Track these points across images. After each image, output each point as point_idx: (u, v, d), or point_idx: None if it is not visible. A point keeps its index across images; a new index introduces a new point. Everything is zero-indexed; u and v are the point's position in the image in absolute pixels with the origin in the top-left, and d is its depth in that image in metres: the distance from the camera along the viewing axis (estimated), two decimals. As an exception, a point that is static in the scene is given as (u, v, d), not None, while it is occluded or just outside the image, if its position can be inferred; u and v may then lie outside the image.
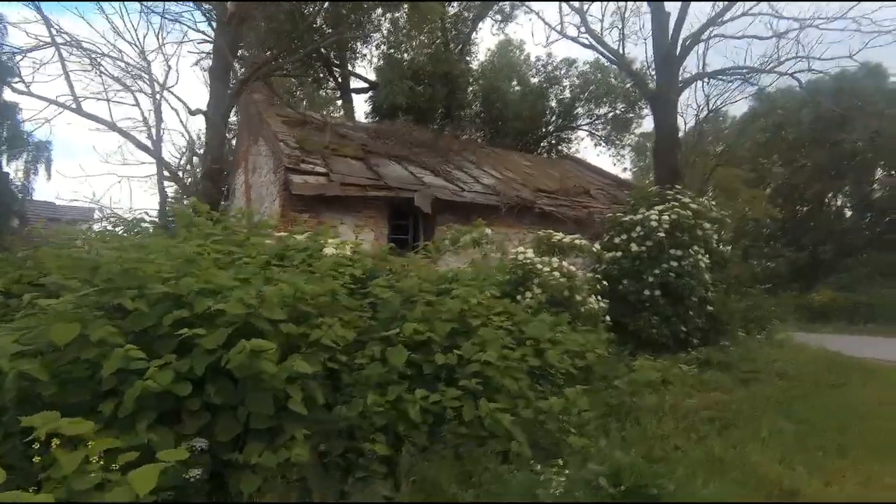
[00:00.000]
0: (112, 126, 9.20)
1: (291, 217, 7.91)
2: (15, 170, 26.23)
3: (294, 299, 3.40)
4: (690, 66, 22.14)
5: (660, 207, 9.30)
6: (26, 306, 2.98)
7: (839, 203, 29.88)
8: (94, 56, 9.24)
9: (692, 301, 8.87)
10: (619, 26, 13.53)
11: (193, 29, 13.38)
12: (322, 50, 16.96)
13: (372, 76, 19.93)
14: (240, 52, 13.44)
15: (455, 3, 19.99)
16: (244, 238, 4.69)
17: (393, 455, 3.59)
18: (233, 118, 16.63)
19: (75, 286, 3.36)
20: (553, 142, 23.76)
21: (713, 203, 11.11)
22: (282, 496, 3.02)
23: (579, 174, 15.74)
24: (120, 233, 6.05)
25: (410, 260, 5.63)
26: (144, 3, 11.19)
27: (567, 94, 23.08)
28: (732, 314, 9.71)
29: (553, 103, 23.01)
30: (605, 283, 8.44)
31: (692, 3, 12.10)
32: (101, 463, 2.33)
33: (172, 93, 11.87)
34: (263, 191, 10.03)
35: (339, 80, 19.83)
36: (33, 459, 2.24)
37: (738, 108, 39.89)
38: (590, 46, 13.21)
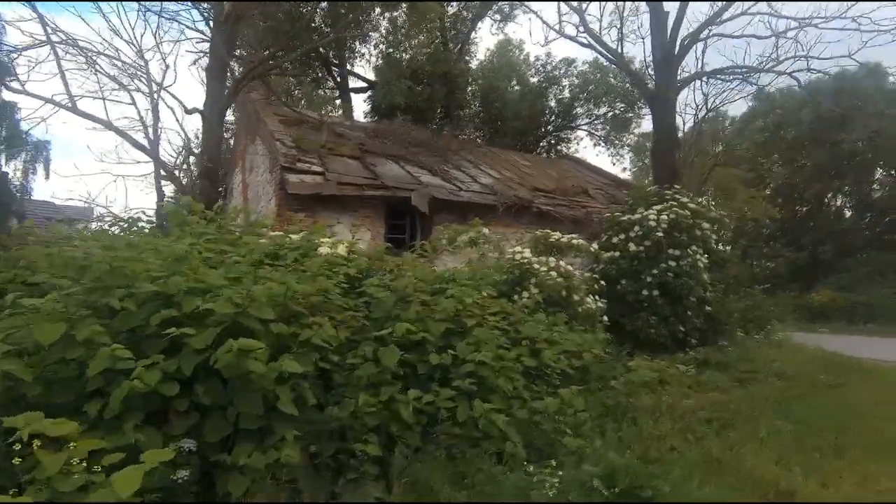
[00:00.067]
0: (108, 125, 9.16)
1: (288, 216, 7.88)
2: (14, 169, 26.23)
3: (285, 298, 3.36)
4: (690, 65, 22.15)
5: (658, 207, 9.27)
6: (11, 305, 2.94)
7: (839, 203, 29.89)
8: (89, 54, 9.19)
9: (690, 301, 8.84)
10: (618, 25, 13.50)
11: (191, 28, 13.37)
12: (321, 49, 16.93)
13: (371, 76, 19.93)
14: (238, 51, 13.42)
15: (454, 3, 19.97)
16: (237, 237, 4.65)
17: (385, 456, 3.55)
18: (231, 117, 16.63)
19: (66, 285, 3.33)
20: (552, 141, 23.75)
21: (712, 203, 11.09)
22: (271, 497, 2.98)
23: (578, 174, 15.71)
24: (117, 232, 6.01)
25: (405, 259, 5.59)
26: (142, 2, 11.15)
27: (566, 93, 23.08)
28: (731, 314, 9.68)
29: (552, 103, 23.01)
30: (602, 282, 8.41)
31: (691, 3, 12.08)
32: (84, 464, 2.29)
33: (169, 92, 11.87)
34: (260, 190, 9.99)
35: (338, 79, 19.81)
36: (13, 461, 2.20)
37: (738, 108, 39.88)
38: (588, 46, 13.18)
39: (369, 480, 3.41)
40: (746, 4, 12.72)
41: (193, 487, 2.94)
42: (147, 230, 5.93)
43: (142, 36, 33.27)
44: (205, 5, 11.44)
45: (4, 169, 23.95)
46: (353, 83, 20.16)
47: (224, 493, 2.92)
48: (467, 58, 21.42)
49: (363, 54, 19.81)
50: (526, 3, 17.55)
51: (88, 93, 12.90)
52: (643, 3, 13.99)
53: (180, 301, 3.04)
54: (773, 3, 15.64)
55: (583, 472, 3.47)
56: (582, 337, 6.08)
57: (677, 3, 12.30)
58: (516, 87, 22.74)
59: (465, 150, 13.91)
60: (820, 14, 12.23)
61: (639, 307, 8.76)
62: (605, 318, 7.89)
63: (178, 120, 23.13)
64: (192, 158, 12.62)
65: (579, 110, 23.34)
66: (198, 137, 13.15)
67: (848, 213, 29.54)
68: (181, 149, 13.35)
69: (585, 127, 24.20)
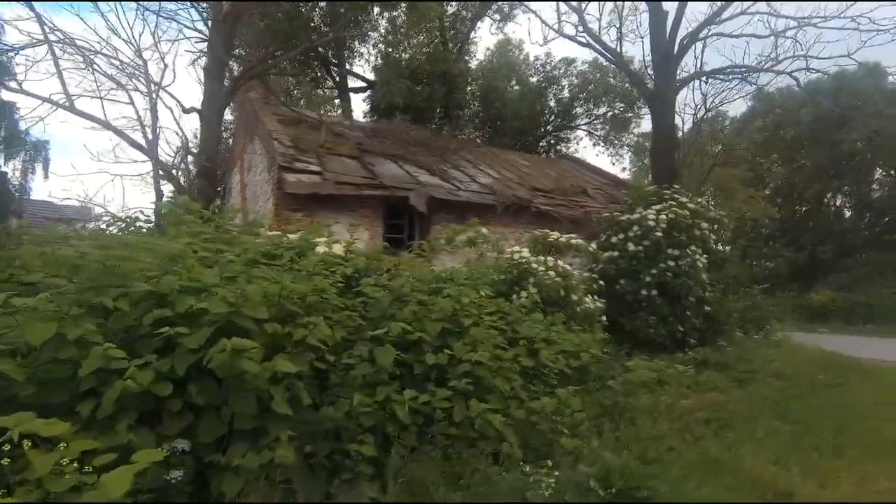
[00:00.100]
0: (106, 125, 9.14)
1: (285, 216, 7.86)
2: (13, 169, 26.22)
3: (280, 298, 3.34)
4: (689, 65, 22.15)
5: (657, 207, 9.26)
6: (3, 305, 2.92)
7: (838, 203, 29.88)
8: (87, 54, 9.17)
9: (689, 301, 8.83)
10: (617, 25, 13.48)
11: (189, 27, 13.34)
12: (320, 49, 16.91)
13: (370, 75, 19.93)
14: (236, 50, 13.40)
15: (453, 3, 19.95)
16: (233, 236, 4.63)
17: (381, 456, 3.54)
18: (230, 117, 16.62)
19: (60, 284, 3.31)
20: (552, 141, 23.75)
21: (711, 203, 11.08)
22: (265, 497, 2.97)
23: (577, 174, 15.69)
24: (115, 232, 5.99)
25: (402, 259, 5.57)
26: (141, 1, 11.13)
27: (566, 93, 23.08)
28: (730, 314, 9.67)
29: (552, 103, 23.00)
30: (601, 282, 8.40)
31: (690, 3, 12.08)
32: (75, 465, 2.27)
33: (167, 91, 11.85)
34: (258, 189, 9.98)
35: (337, 79, 19.79)
36: (2, 462, 2.18)
37: (738, 107, 39.89)
38: (587, 45, 13.16)
39: (364, 481, 3.40)
40: (745, 4, 12.74)
41: (187, 488, 2.92)
42: (145, 230, 5.91)
43: (140, 35, 33.29)
44: (203, 4, 11.42)
45: (3, 169, 23.95)
46: (353, 83, 20.16)
47: (218, 494, 2.90)
48: (467, 58, 21.42)
49: (362, 54, 19.82)
50: (525, 2, 17.54)
51: (86, 92, 12.84)
52: (642, 3, 14.00)
53: (174, 300, 3.02)
54: (773, 3, 15.64)
55: (579, 473, 3.45)
56: (580, 337, 6.07)
57: (676, 3, 12.30)
58: (516, 87, 22.73)
59: (465, 149, 13.89)
60: (819, 14, 12.22)
61: (638, 307, 8.75)
62: (604, 317, 7.88)
63: (175, 119, 23.16)
64: (189, 158, 12.59)
65: (579, 110, 23.36)
66: (196, 137, 13.12)
67: (847, 213, 29.55)
68: (179, 148, 13.33)
69: (585, 127, 24.23)
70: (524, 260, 7.15)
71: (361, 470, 3.37)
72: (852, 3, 11.61)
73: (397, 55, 18.48)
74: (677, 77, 12.59)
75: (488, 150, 15.59)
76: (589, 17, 13.31)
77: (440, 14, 18.14)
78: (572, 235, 8.68)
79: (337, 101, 19.88)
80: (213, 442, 3.02)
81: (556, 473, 3.36)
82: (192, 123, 30.90)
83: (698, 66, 13.58)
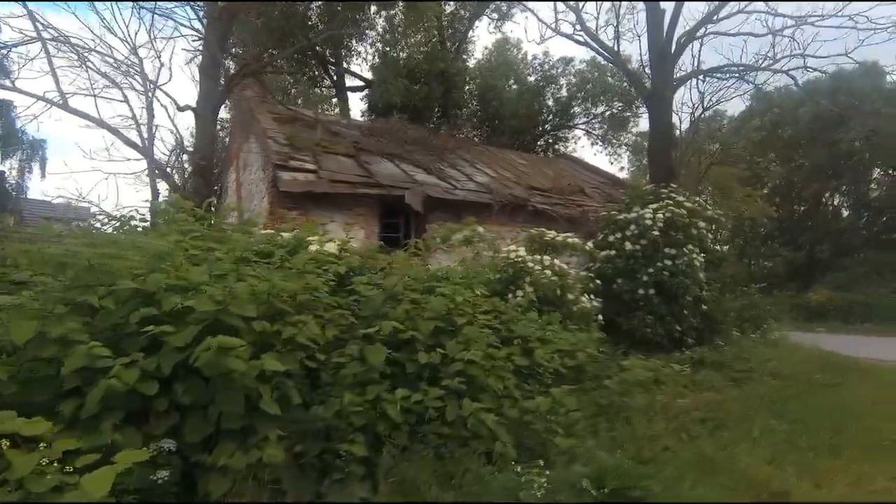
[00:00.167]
0: (100, 123, 9.08)
1: (280, 214, 7.82)
2: (10, 168, 26.13)
3: (269, 296, 3.30)
4: (686, 64, 22.13)
5: (654, 206, 9.23)
6: (-15, 303, 2.88)
7: (836, 202, 29.90)
8: (81, 51, 9.12)
9: (687, 300, 8.80)
10: (615, 24, 13.44)
11: (186, 26, 13.27)
12: (317, 48, 16.86)
13: (368, 74, 19.88)
14: (233, 49, 13.35)
15: (452, 2, 19.91)
16: (223, 234, 4.59)
17: (372, 456, 3.50)
18: (226, 115, 16.56)
19: (49, 283, 3.28)
20: (550, 141, 23.70)
21: (708, 202, 11.05)
22: (253, 497, 2.93)
23: (575, 173, 15.66)
24: (110, 231, 5.94)
25: (396, 258, 5.53)
26: (136, 0, 11.07)
27: (564, 92, 23.03)
28: (727, 313, 9.65)
29: (550, 102, 22.96)
30: (598, 281, 8.36)
31: (687, 2, 12.05)
32: (56, 465, 2.23)
33: (162, 90, 11.76)
34: (253, 188, 9.93)
35: (335, 78, 19.75)
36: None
37: (737, 107, 39.93)
38: (585, 44, 13.13)
39: (355, 480, 3.36)
40: (743, 3, 12.69)
41: (174, 488, 2.88)
42: (140, 228, 5.87)
43: (136, 33, 33.19)
44: (199, 3, 11.36)
45: (1, 168, 23.86)
46: (350, 82, 20.13)
47: (205, 494, 2.87)
48: (465, 57, 21.37)
49: (360, 53, 19.78)
50: (524, 2, 17.48)
51: (81, 90, 12.77)
52: (640, 3, 14.00)
53: (160, 299, 2.98)
54: (770, 2, 15.63)
55: (572, 473, 3.42)
56: (576, 336, 6.03)
57: (673, 2, 12.27)
58: (514, 86, 22.68)
59: (462, 148, 13.85)
60: (816, 12, 12.17)
61: (635, 306, 8.73)
62: (601, 317, 7.84)
63: (170, 117, 23.08)
64: (184, 156, 12.54)
65: (577, 109, 23.30)
66: (192, 135, 13.07)
67: (845, 213, 29.58)
68: (174, 147, 13.27)
69: (583, 126, 24.17)
70: (520, 259, 7.11)
71: (352, 470, 3.34)
72: (849, 2, 11.59)
73: (395, 54, 18.44)
74: (675, 76, 12.56)
75: (485, 149, 15.56)
76: (586, 16, 13.32)
77: (438, 13, 18.10)
78: (569, 234, 8.65)
79: (334, 101, 19.84)
80: (201, 441, 2.98)
81: (548, 473, 3.31)
82: (188, 121, 30.83)
83: (696, 64, 13.55)
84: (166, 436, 2.90)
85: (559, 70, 22.96)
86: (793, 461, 4.27)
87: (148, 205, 5.18)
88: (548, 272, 7.06)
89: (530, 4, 19.47)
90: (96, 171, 18.89)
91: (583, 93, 22.61)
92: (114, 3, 12.97)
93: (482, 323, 4.76)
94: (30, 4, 8.53)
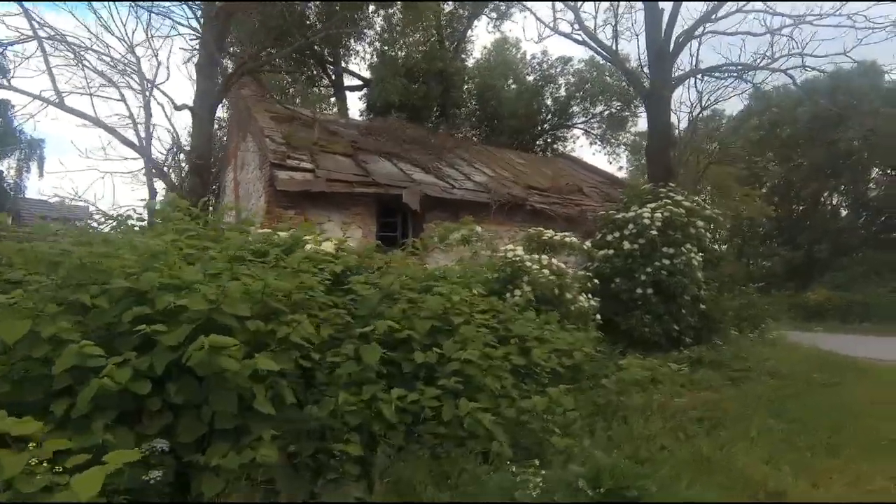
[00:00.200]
0: (97, 122, 9.05)
1: (277, 214, 7.80)
2: (8, 167, 26.06)
3: (263, 295, 3.28)
4: (685, 63, 22.12)
5: (652, 205, 9.22)
6: (-25, 302, 2.86)
7: (835, 202, 29.91)
8: (78, 50, 9.08)
9: (685, 299, 8.80)
10: (613, 23, 13.41)
11: (184, 25, 13.24)
12: (315, 47, 16.83)
13: (366, 73, 19.85)
14: (231, 48, 13.31)
15: (450, 2, 19.88)
16: (218, 234, 4.57)
17: (367, 456, 3.48)
18: (225, 115, 16.53)
19: (43, 281, 3.26)
20: (549, 140, 23.68)
21: (707, 201, 11.04)
22: (246, 497, 2.91)
23: (573, 172, 15.65)
24: (107, 230, 5.92)
25: (393, 257, 5.51)
26: (132, 1, 11.04)
27: (562, 92, 23.00)
28: (725, 312, 9.65)
29: (548, 101, 22.93)
30: (596, 281, 8.36)
31: (685, 2, 12.03)
32: (45, 465, 2.21)
33: (159, 89, 11.71)
34: (251, 187, 9.91)
35: (333, 77, 19.72)
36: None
37: (736, 106, 39.93)
38: (583, 43, 13.10)
39: (350, 480, 3.34)
40: (741, 2, 12.67)
41: (167, 488, 2.86)
42: (137, 228, 5.84)
43: (133, 32, 33.10)
44: (196, 2, 11.33)
45: (-1, 167, 23.80)
46: (349, 81, 20.10)
47: (198, 494, 2.85)
48: (463, 56, 21.34)
49: (358, 52, 19.75)
50: (522, 1, 17.45)
51: (78, 89, 12.67)
52: (638, 2, 13.98)
53: (153, 298, 2.96)
54: (768, 1, 15.62)
55: (568, 473, 3.40)
56: (573, 335, 6.02)
57: (671, 2, 12.26)
58: (512, 86, 22.66)
59: (460, 148, 13.84)
60: (814, 11, 12.16)
61: (633, 305, 8.73)
62: (598, 316, 7.84)
63: (167, 116, 22.97)
64: (181, 155, 12.51)
65: (576, 109, 23.27)
66: (190, 135, 13.04)
67: (844, 212, 29.58)
68: (171, 146, 13.23)
69: (582, 125, 24.15)
70: (518, 258, 7.10)
71: (347, 470, 3.32)
72: (847, 1, 11.58)
73: (393, 53, 18.40)
74: (673, 75, 12.54)
75: (484, 149, 15.54)
76: (585, 15, 13.29)
77: (437, 12, 18.08)
78: (566, 234, 8.63)
79: (333, 100, 19.81)
80: (194, 441, 2.96)
81: (543, 473, 3.30)
82: (185, 121, 30.73)
83: (694, 63, 13.53)
84: (160, 435, 2.88)
85: (558, 69, 22.94)
86: (790, 461, 4.25)
87: (143, 204, 5.14)
88: (545, 271, 7.05)
89: (529, 4, 19.47)
90: (92, 171, 18.77)
91: (581, 92, 22.59)
92: (111, 3, 12.94)
93: (479, 322, 4.74)
94: (26, 3, 8.50)
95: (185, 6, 12.17)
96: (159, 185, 11.58)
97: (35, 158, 26.67)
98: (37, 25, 8.33)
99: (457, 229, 7.36)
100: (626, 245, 8.89)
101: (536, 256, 7.28)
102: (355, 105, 21.65)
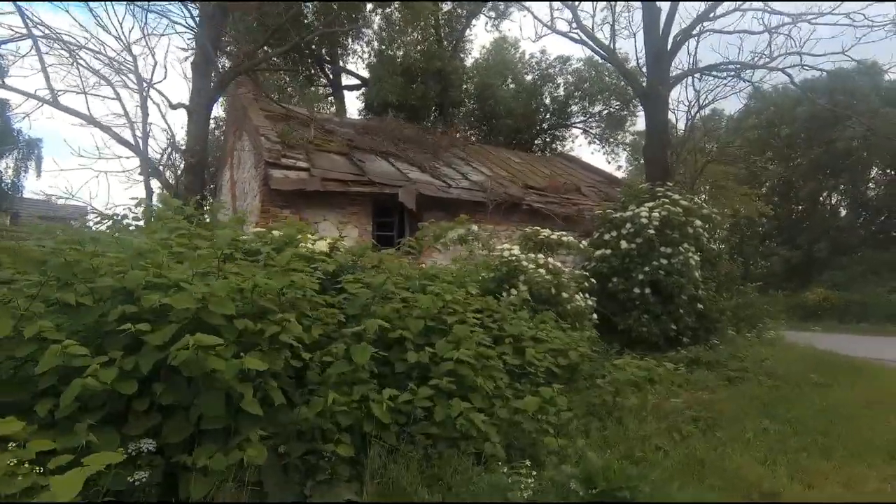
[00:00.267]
0: (92, 121, 9.01)
1: (272, 213, 7.76)
2: (5, 167, 26.02)
3: (252, 294, 3.25)
4: (683, 63, 22.09)
5: (650, 204, 9.19)
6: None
7: (834, 201, 29.89)
8: (72, 48, 9.04)
9: (682, 299, 8.76)
10: (610, 21, 13.38)
11: (180, 24, 13.20)
12: (313, 46, 16.80)
13: (364, 73, 19.82)
14: (228, 48, 13.27)
15: (449, 2, 19.85)
16: (209, 232, 4.54)
17: (358, 457, 3.45)
18: (222, 114, 16.49)
19: (31, 281, 3.22)
20: (547, 140, 23.68)
21: (705, 200, 11.02)
22: (233, 497, 2.87)
23: (572, 171, 15.62)
24: (104, 229, 5.89)
25: (386, 256, 5.48)
26: (129, 1, 11.00)
27: (561, 91, 22.98)
28: (723, 312, 9.61)
29: (547, 101, 22.91)
30: (593, 280, 8.33)
31: (683, 1, 11.98)
32: (27, 465, 2.18)
33: (155, 88, 11.67)
34: (246, 186, 9.88)
35: (331, 76, 19.69)
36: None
37: (735, 105, 39.96)
38: (581, 42, 13.05)
39: (342, 482, 3.31)
40: (739, 1, 12.64)
41: (154, 489, 2.83)
42: (133, 227, 5.81)
43: (130, 31, 33.04)
44: (193, 2, 11.28)
45: (-3, 167, 23.75)
46: (347, 81, 20.07)
47: (186, 495, 2.82)
48: (462, 55, 21.32)
49: (356, 51, 19.73)
50: (521, 1, 17.41)
51: (72, 88, 12.64)
52: (636, 1, 13.94)
53: (140, 296, 2.93)
54: (767, 0, 15.59)
55: (561, 473, 3.38)
56: (569, 335, 5.99)
57: (669, 1, 12.21)
58: (511, 85, 22.63)
59: (457, 147, 13.81)
60: (813, 10, 12.16)
61: (630, 305, 8.70)
62: (595, 315, 7.81)
63: (163, 115, 22.90)
64: (176, 155, 12.47)
65: (574, 108, 23.26)
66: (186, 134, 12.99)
67: (843, 212, 29.56)
68: (167, 144, 13.19)
69: (580, 125, 24.14)
70: (514, 257, 7.07)
71: (338, 471, 3.29)
72: (845, 0, 11.54)
73: (391, 52, 18.37)
74: (671, 74, 12.51)
75: (481, 148, 15.51)
76: (583, 14, 13.24)
77: (435, 12, 18.04)
78: (563, 233, 8.61)
79: (331, 99, 19.78)
80: (182, 442, 2.93)
81: (534, 474, 3.27)
82: (181, 119, 30.70)
83: (692, 62, 13.48)
84: (147, 436, 2.85)
85: (556, 69, 22.93)
86: (785, 462, 4.23)
87: (134, 203, 5.11)
88: (542, 271, 7.02)
89: (526, 3, 19.44)
90: (87, 170, 18.71)
91: (580, 92, 22.57)
92: (109, 3, 12.90)
93: (473, 322, 4.71)
94: (20, 2, 8.46)
95: (182, 5, 12.14)
96: (155, 185, 11.54)
97: (33, 158, 26.65)
98: (31, 24, 8.28)
99: (452, 228, 7.32)
100: (624, 244, 8.85)
101: (532, 256, 7.25)
102: (353, 104, 21.67)
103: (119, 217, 5.55)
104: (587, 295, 7.89)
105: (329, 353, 3.64)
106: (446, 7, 19.78)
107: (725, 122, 26.14)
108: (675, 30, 12.23)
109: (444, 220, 8.18)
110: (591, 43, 13.09)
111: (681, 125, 15.92)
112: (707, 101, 14.44)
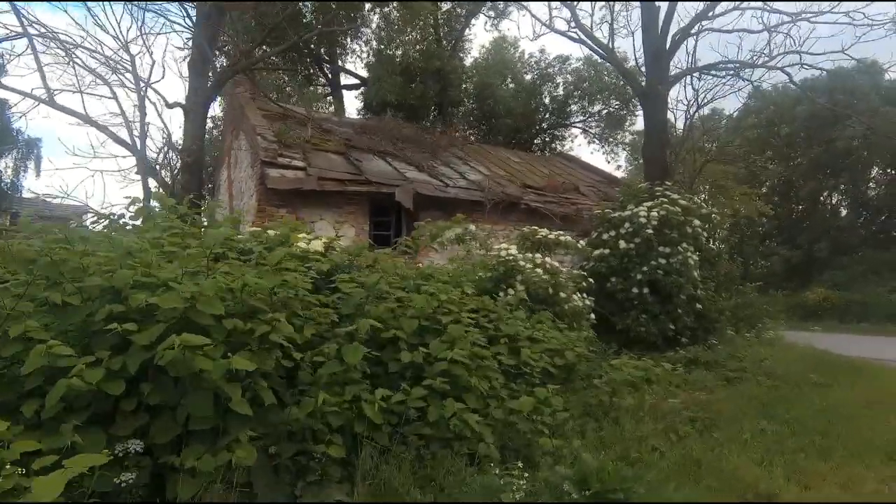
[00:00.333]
0: (88, 120, 8.99)
1: (268, 212, 7.73)
2: (4, 167, 26.02)
3: (241, 293, 3.21)
4: (682, 62, 22.10)
5: (649, 204, 9.15)
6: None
7: (834, 201, 29.83)
8: (69, 47, 9.02)
9: (681, 299, 8.72)
10: (609, 20, 13.34)
11: (178, 23, 13.17)
12: (311, 46, 16.77)
13: (363, 72, 19.79)
14: (226, 47, 13.24)
15: (448, 2, 19.83)
16: (200, 232, 4.51)
17: (351, 458, 3.42)
18: (221, 113, 16.46)
19: (20, 279, 3.20)
20: (546, 139, 23.64)
21: (704, 200, 10.98)
22: (222, 498, 2.84)
23: (571, 171, 15.59)
24: (100, 229, 5.86)
25: (381, 255, 5.45)
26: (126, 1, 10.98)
27: (560, 91, 22.95)
28: (722, 312, 9.57)
29: (546, 100, 22.88)
30: (591, 280, 8.29)
31: (682, 1, 11.95)
32: (9, 467, 2.15)
33: (152, 87, 11.66)
34: (243, 185, 9.85)
35: (330, 76, 19.67)
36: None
37: (734, 105, 39.93)
38: (579, 41, 13.02)
39: (333, 483, 3.28)
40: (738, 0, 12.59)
41: (141, 490, 2.80)
42: (129, 226, 5.78)
43: (128, 30, 33.03)
44: (190, 2, 11.26)
45: (-4, 167, 23.74)
46: (346, 80, 20.05)
47: (172, 497, 2.79)
48: (461, 55, 21.29)
49: (354, 51, 19.71)
50: (520, 1, 17.37)
51: (69, 87, 12.58)
52: (635, 1, 13.91)
53: (127, 296, 2.90)
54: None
55: (555, 475, 3.34)
56: (565, 335, 5.96)
57: (668, 1, 12.17)
58: (510, 85, 22.60)
59: (456, 146, 13.77)
60: (812, 9, 12.12)
61: (629, 305, 8.66)
62: (593, 315, 7.77)
63: (159, 114, 22.91)
64: (172, 154, 12.44)
65: (574, 108, 23.23)
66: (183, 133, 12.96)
67: (844, 211, 29.51)
68: (163, 144, 13.17)
69: (580, 124, 24.10)
70: (511, 257, 7.03)
71: (329, 472, 3.26)
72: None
73: (390, 52, 18.34)
74: (670, 73, 12.47)
75: (480, 147, 15.48)
76: (581, 14, 13.19)
77: (433, 11, 18.01)
78: (561, 232, 8.57)
79: (329, 99, 19.76)
80: (170, 442, 2.90)
81: (527, 475, 3.23)
82: (178, 118, 30.71)
83: (691, 61, 13.45)
84: (135, 437, 2.82)
85: (556, 68, 22.91)
86: (782, 463, 4.19)
87: (128, 202, 5.07)
88: (539, 270, 6.98)
89: (525, 2, 19.40)
90: (82, 169, 18.71)
91: (579, 91, 22.54)
92: (107, 2, 12.87)
93: (468, 321, 4.68)
94: (17, 2, 8.43)
95: (180, 4, 12.11)
96: (152, 184, 11.52)
97: (32, 157, 26.63)
98: (26, 22, 8.26)
99: (448, 227, 7.28)
100: (622, 244, 8.81)
101: (530, 255, 7.22)
102: (353, 104, 21.66)
103: (116, 216, 5.53)
104: (585, 295, 7.85)
105: (321, 353, 3.60)
106: (445, 6, 19.75)
107: (725, 122, 26.06)
108: (673, 28, 12.22)
109: (441, 220, 8.14)
110: (589, 42, 13.06)
111: (680, 124, 15.90)
112: (706, 101, 14.42)
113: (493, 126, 21.34)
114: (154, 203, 7.46)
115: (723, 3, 12.34)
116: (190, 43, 11.64)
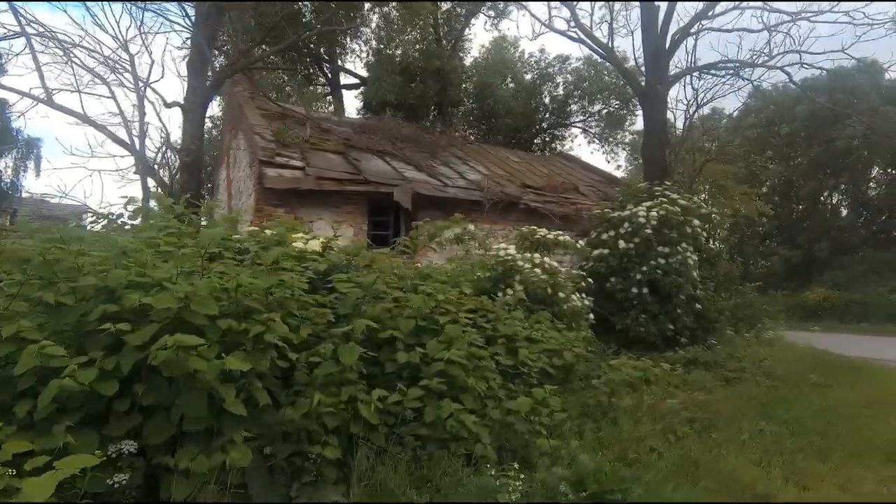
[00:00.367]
0: (86, 119, 8.98)
1: (267, 212, 7.72)
2: (4, 167, 26.01)
3: (236, 293, 3.20)
4: (681, 61, 22.05)
5: (648, 204, 9.12)
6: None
7: (835, 201, 29.80)
8: (67, 47, 9.01)
9: (680, 299, 8.70)
10: (608, 20, 13.32)
11: (177, 23, 13.16)
12: (311, 45, 16.75)
13: (363, 72, 19.77)
14: (225, 46, 13.22)
15: (447, 2, 19.80)
16: (196, 231, 4.49)
17: (347, 458, 3.40)
18: (220, 113, 16.44)
19: (14, 279, 3.18)
20: (546, 139, 23.62)
21: (704, 199, 10.96)
22: (216, 498, 2.83)
23: (570, 171, 15.57)
24: (98, 229, 5.85)
25: (379, 255, 5.43)
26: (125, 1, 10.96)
27: (560, 90, 22.94)
28: (721, 312, 9.55)
29: (546, 100, 22.86)
30: (590, 280, 8.27)
31: (681, 1, 11.92)
32: (1, 468, 2.14)
33: (151, 87, 11.65)
34: (242, 185, 9.84)
35: (329, 75, 19.65)
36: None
37: (734, 104, 39.90)
38: (579, 40, 13.00)
39: (328, 484, 3.27)
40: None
41: (134, 491, 2.79)
42: (128, 226, 5.77)
43: (127, 29, 33.00)
44: (189, 2, 11.24)
45: (-5, 166, 23.74)
46: (346, 80, 20.03)
47: (166, 497, 2.77)
48: (461, 54, 21.27)
49: (354, 50, 19.69)
50: (520, 0, 17.34)
51: (67, 86, 12.57)
52: (634, 0, 13.89)
53: (121, 296, 2.88)
54: (766, -1, 15.52)
55: (551, 475, 3.32)
56: (564, 335, 5.93)
57: (667, 0, 12.15)
58: (510, 84, 22.58)
59: (455, 146, 13.75)
60: (812, 8, 12.11)
61: (628, 305, 8.64)
62: (592, 315, 7.75)
63: (157, 114, 22.94)
64: (170, 153, 12.43)
65: (573, 107, 23.21)
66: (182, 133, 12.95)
67: (844, 211, 29.48)
68: (162, 143, 13.16)
69: (580, 124, 24.09)
70: (510, 257, 7.01)
71: (324, 472, 3.24)
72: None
73: (390, 51, 18.33)
74: (669, 72, 12.44)
75: (479, 147, 15.46)
76: (581, 13, 13.17)
77: (433, 11, 17.99)
78: (560, 232, 8.54)
79: (329, 98, 19.74)
80: (164, 443, 2.88)
81: (522, 476, 3.21)
82: (177, 118, 30.67)
83: (691, 61, 13.42)
84: (128, 437, 2.81)
85: (555, 68, 22.90)
86: (780, 463, 4.17)
87: (124, 201, 5.05)
88: (537, 270, 6.96)
89: (525, 1, 19.38)
90: (80, 168, 18.73)
91: (579, 91, 22.53)
92: (106, 2, 12.84)
93: (466, 321, 4.66)
94: (15, 1, 8.41)
95: (179, 4, 12.09)
96: (151, 183, 11.51)
97: (32, 157, 26.62)
98: (24, 21, 8.24)
99: (447, 227, 7.25)
100: (622, 244, 8.79)
101: (529, 255, 7.19)
102: (352, 104, 21.65)
103: (115, 216, 5.51)
104: (584, 295, 7.83)
105: (317, 353, 3.59)
106: (445, 6, 19.73)
107: (725, 121, 26.04)
108: (673, 28, 12.20)
109: (440, 220, 8.11)
110: (589, 41, 13.04)
111: (679, 124, 15.87)
112: (706, 100, 14.39)
113: (493, 126, 21.32)
114: (152, 203, 7.45)
115: (722, 3, 12.35)
116: (189, 42, 11.62)
